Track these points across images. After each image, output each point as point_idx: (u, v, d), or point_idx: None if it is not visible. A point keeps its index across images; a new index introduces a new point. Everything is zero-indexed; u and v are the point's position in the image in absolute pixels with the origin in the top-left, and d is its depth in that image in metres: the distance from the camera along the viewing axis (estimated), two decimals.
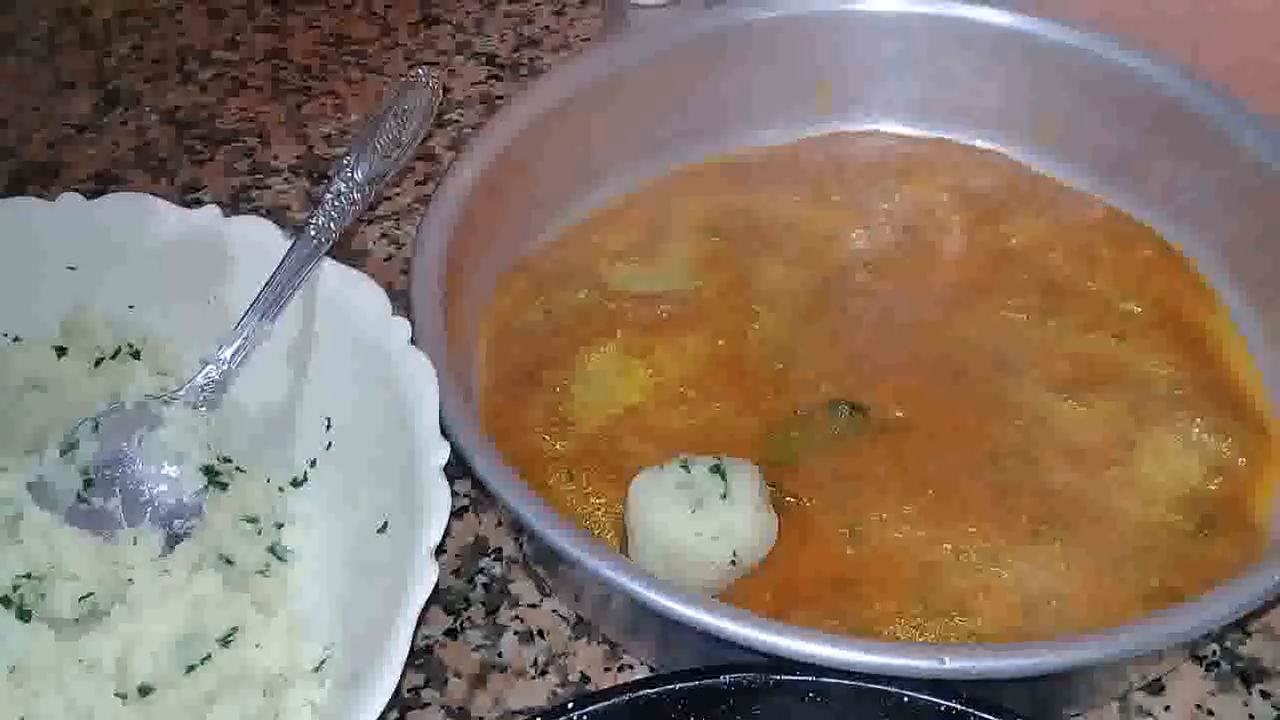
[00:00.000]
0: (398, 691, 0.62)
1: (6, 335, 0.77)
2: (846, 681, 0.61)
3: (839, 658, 0.60)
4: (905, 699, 0.60)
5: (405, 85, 0.81)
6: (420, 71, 0.82)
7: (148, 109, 1.12)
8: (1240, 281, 0.87)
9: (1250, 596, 0.63)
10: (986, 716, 0.60)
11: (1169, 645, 0.64)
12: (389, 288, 0.75)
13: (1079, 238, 0.92)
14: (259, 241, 0.76)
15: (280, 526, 0.74)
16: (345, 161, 0.78)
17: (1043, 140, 0.97)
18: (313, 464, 0.75)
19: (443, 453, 0.66)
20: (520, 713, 0.70)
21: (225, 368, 0.74)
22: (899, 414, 0.80)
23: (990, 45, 0.96)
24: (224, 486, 0.73)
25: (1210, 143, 0.88)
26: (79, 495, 0.70)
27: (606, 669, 0.73)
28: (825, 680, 0.61)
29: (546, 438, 0.78)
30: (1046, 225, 0.93)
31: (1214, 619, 0.63)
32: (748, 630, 0.61)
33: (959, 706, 0.60)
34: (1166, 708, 0.71)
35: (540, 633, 0.75)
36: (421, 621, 0.61)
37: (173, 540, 0.70)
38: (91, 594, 0.66)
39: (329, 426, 0.74)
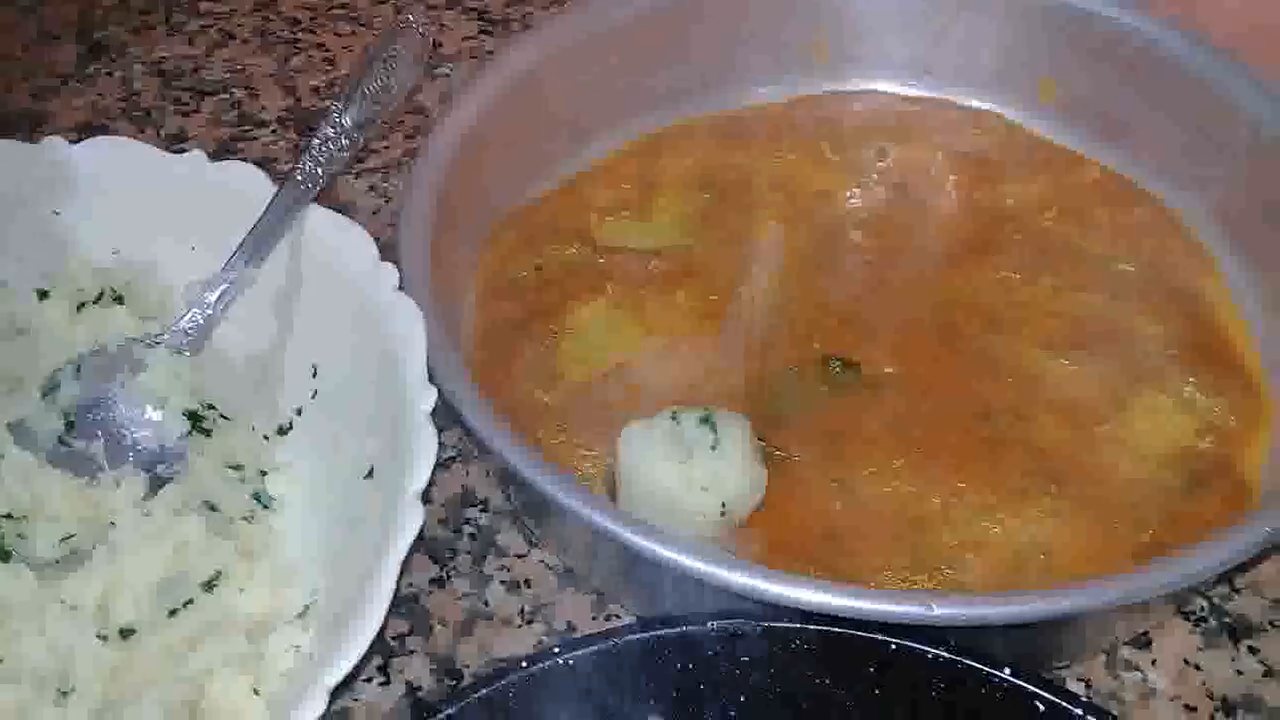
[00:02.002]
0: (382, 638, 0.62)
1: None
2: (834, 629, 0.60)
3: (826, 603, 0.60)
4: (893, 646, 0.60)
5: (395, 31, 0.80)
6: (410, 17, 0.81)
7: (134, 60, 1.10)
8: (1235, 244, 0.87)
9: (1237, 550, 0.63)
10: (974, 664, 0.59)
11: (1157, 596, 0.64)
12: (376, 240, 0.74)
13: (1074, 199, 0.91)
14: (245, 187, 0.75)
15: (264, 474, 0.73)
16: (334, 107, 0.77)
17: (1040, 101, 0.96)
18: (299, 412, 0.74)
19: (430, 398, 0.65)
20: (505, 660, 0.70)
21: (209, 312, 0.73)
22: (890, 370, 0.80)
23: (988, 5, 0.95)
24: (208, 433, 0.72)
25: (1209, 105, 0.88)
26: (60, 438, 0.69)
27: (593, 618, 0.72)
28: (812, 628, 0.61)
29: (535, 390, 0.78)
30: (1042, 186, 0.92)
31: (1202, 570, 0.63)
32: (735, 576, 0.61)
33: (946, 654, 0.60)
34: (1153, 662, 0.71)
35: (527, 582, 0.74)
36: (407, 570, 0.61)
37: (156, 484, 0.69)
38: (73, 535, 0.65)
39: (315, 374, 0.74)
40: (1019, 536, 0.72)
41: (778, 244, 0.88)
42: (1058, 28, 0.94)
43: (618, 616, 0.73)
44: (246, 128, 1.04)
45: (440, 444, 0.64)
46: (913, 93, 0.98)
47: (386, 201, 0.97)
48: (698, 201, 0.90)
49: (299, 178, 0.74)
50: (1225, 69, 0.87)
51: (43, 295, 0.75)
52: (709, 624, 0.61)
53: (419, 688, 0.70)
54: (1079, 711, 0.58)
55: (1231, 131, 0.86)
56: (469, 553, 0.76)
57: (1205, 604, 0.74)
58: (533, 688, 0.60)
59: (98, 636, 0.62)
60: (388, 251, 0.74)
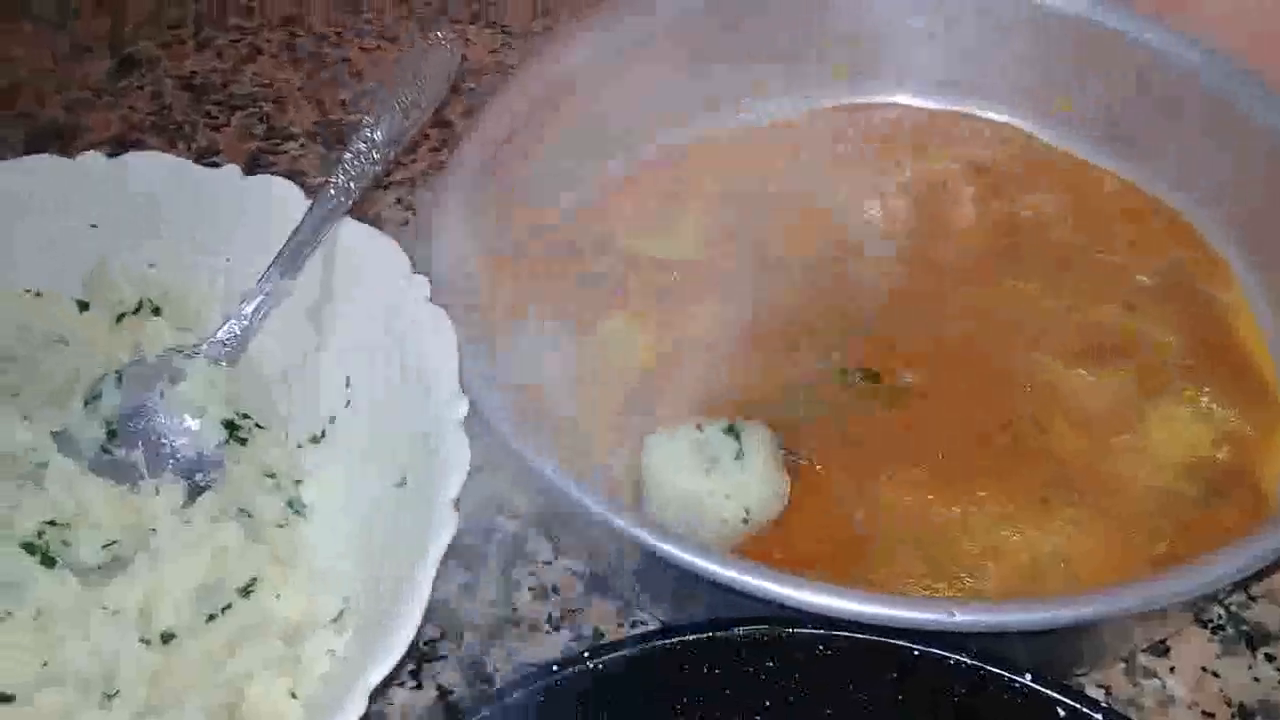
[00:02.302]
0: (414, 643, 0.63)
1: (29, 291, 0.78)
2: (857, 635, 0.62)
3: (850, 609, 0.61)
4: (915, 653, 0.61)
5: (424, 47, 0.82)
6: (440, 34, 0.83)
7: (164, 74, 1.12)
8: (1251, 254, 0.88)
9: (1254, 558, 0.64)
10: (995, 670, 0.60)
11: (1175, 603, 0.65)
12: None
13: (1091, 210, 0.92)
14: (279, 200, 0.77)
15: (299, 482, 0.75)
16: (365, 122, 0.79)
17: (1056, 113, 0.97)
18: (332, 420, 0.76)
19: (462, 408, 0.66)
20: (535, 665, 0.71)
21: (246, 323, 0.74)
22: (910, 381, 0.81)
23: (1005, 18, 0.97)
24: (244, 442, 0.74)
25: (1224, 116, 0.89)
26: (102, 446, 0.71)
27: (620, 625, 0.74)
28: (836, 634, 0.62)
29: (561, 399, 0.79)
30: (1059, 197, 0.93)
31: (1220, 578, 0.64)
32: (761, 582, 0.62)
33: (968, 660, 0.61)
34: (1172, 669, 0.72)
35: (554, 589, 0.76)
36: (437, 577, 0.62)
37: (194, 492, 0.71)
38: (115, 542, 0.67)
39: (348, 384, 0.75)
40: (1038, 545, 0.73)
41: (799, 256, 0.89)
42: (1074, 40, 0.95)
43: (644, 623, 0.74)
44: (275, 141, 1.06)
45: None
46: (932, 105, 1.00)
47: (414, 214, 0.99)
48: (720, 213, 0.91)
49: (332, 192, 0.76)
50: (1240, 80, 0.88)
51: (83, 306, 0.77)
52: (734, 630, 0.63)
53: (451, 691, 0.71)
54: (1099, 717, 0.59)
55: (1246, 142, 0.87)
56: (498, 560, 0.77)
57: (1223, 612, 0.75)
58: (562, 692, 0.61)
59: (140, 641, 0.64)
60: (418, 264, 0.75)
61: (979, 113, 0.99)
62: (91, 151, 0.80)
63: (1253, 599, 0.75)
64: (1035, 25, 0.96)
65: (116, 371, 0.73)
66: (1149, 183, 0.93)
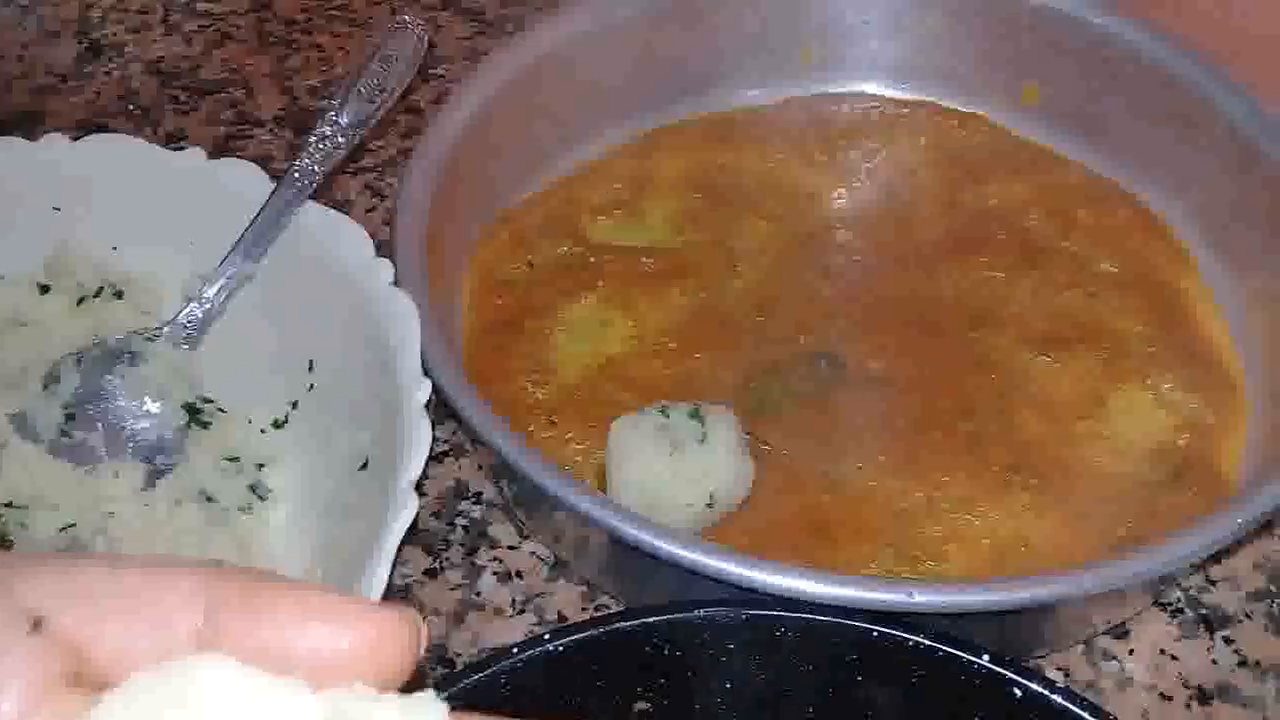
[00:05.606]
0: None
1: None
2: (817, 617, 0.62)
3: (810, 591, 0.61)
4: (875, 634, 0.61)
5: (390, 31, 0.82)
6: (406, 17, 0.82)
7: (132, 59, 1.11)
8: (1214, 244, 0.88)
9: (1211, 540, 0.65)
10: (953, 651, 0.61)
11: (1132, 584, 0.65)
12: (371, 237, 0.75)
13: (1057, 200, 0.93)
14: (243, 184, 0.76)
15: (261, 466, 0.74)
16: (330, 106, 0.79)
17: (1024, 104, 0.97)
18: (294, 405, 0.76)
19: (425, 390, 0.66)
20: (496, 648, 0.71)
21: (208, 306, 0.74)
22: (875, 367, 0.82)
23: (974, 8, 0.97)
24: (205, 425, 0.74)
25: (1189, 109, 0.89)
26: (60, 429, 0.71)
27: (584, 609, 0.74)
28: (796, 615, 0.62)
29: (527, 385, 0.79)
30: (1025, 187, 0.94)
31: (1176, 559, 0.65)
32: (721, 563, 0.62)
33: (927, 642, 0.61)
34: (1130, 651, 0.73)
35: (518, 573, 0.76)
36: (400, 562, 0.62)
37: (154, 476, 0.71)
38: (73, 525, 0.66)
39: (311, 368, 0.75)
40: (1000, 529, 0.73)
41: (766, 243, 0.90)
42: (1041, 31, 0.95)
43: (607, 606, 0.74)
44: (244, 126, 1.05)
45: (434, 437, 0.66)
46: (899, 95, 1.00)
47: (381, 199, 0.99)
48: (688, 201, 0.92)
49: (296, 175, 0.75)
50: (1205, 73, 0.89)
51: (44, 290, 0.76)
52: (695, 612, 0.63)
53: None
54: (1056, 697, 0.59)
55: (1210, 134, 0.88)
56: (461, 545, 0.77)
57: (1182, 595, 0.75)
58: (523, 674, 0.61)
59: None
60: (382, 248, 0.75)
61: (946, 103, 0.99)
62: (53, 133, 0.79)
63: (1212, 583, 0.76)
64: (1005, 16, 0.96)
65: (76, 354, 0.72)
66: (1114, 173, 0.94)
